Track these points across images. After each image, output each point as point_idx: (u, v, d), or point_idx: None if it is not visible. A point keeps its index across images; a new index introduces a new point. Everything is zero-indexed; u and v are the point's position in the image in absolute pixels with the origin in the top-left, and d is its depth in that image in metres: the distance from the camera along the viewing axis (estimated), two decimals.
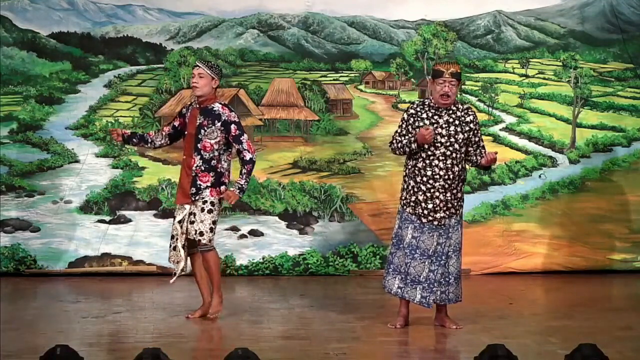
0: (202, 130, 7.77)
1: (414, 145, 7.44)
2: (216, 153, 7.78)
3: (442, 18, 11.15)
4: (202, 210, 7.78)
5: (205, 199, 7.78)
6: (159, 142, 8.10)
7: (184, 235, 7.82)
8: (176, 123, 8.01)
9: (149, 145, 8.14)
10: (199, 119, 7.81)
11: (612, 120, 11.21)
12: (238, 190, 7.80)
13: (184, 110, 8.00)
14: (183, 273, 7.95)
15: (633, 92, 11.28)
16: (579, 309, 8.68)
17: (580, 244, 10.94)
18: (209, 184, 7.77)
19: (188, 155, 7.84)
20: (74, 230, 10.59)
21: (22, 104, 10.74)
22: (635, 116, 11.24)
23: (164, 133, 8.07)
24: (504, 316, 8.24)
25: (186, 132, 7.89)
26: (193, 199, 7.78)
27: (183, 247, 7.84)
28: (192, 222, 7.77)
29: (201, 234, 7.76)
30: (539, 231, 10.97)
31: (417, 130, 7.46)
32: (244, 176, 7.80)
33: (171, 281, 7.96)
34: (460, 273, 7.66)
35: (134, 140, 8.12)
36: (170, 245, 7.93)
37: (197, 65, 7.87)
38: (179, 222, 7.82)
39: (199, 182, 7.77)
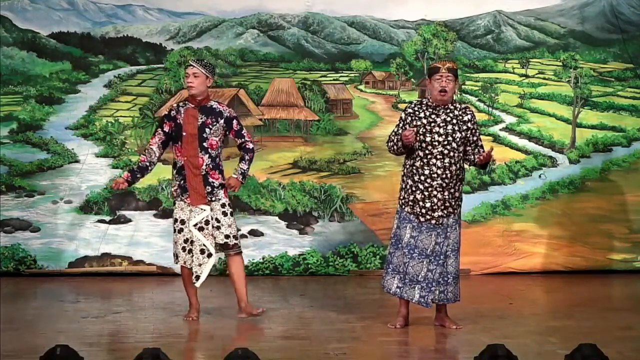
0: (207, 129, 7.80)
1: (399, 144, 7.47)
2: (219, 150, 7.88)
3: (442, 18, 11.15)
4: (225, 214, 7.86)
5: (223, 202, 7.86)
6: (157, 158, 7.93)
7: (209, 240, 7.80)
8: (166, 128, 7.85)
9: (150, 168, 7.94)
10: (201, 118, 7.81)
11: (612, 120, 11.21)
12: (241, 176, 7.90)
13: (173, 112, 7.87)
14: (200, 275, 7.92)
15: (633, 92, 11.28)
16: (579, 309, 8.68)
17: (580, 244, 10.94)
18: (220, 181, 7.84)
19: (192, 155, 7.79)
20: (74, 230, 10.60)
21: (22, 104, 10.74)
22: (635, 116, 11.24)
23: (154, 147, 7.87)
24: (504, 316, 8.24)
25: (184, 133, 7.81)
26: (210, 198, 7.80)
27: (202, 252, 7.80)
28: (217, 228, 7.83)
29: (235, 237, 7.91)
30: (539, 231, 10.97)
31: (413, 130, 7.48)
32: (247, 162, 7.94)
33: (197, 285, 7.85)
34: (458, 273, 7.66)
35: (137, 176, 7.94)
36: (185, 249, 7.82)
37: (191, 65, 7.86)
38: (195, 225, 7.79)
39: (211, 179, 7.80)
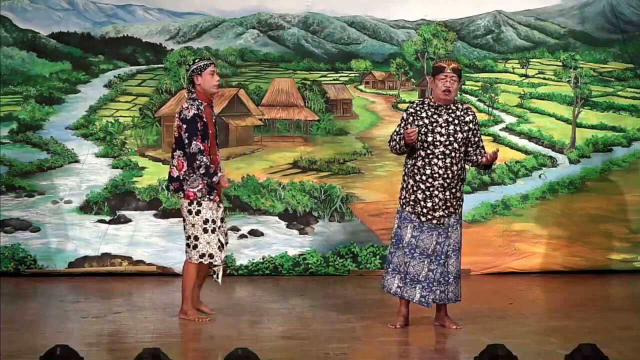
0: (217, 127, 8.00)
1: (402, 142, 7.48)
2: None
3: (442, 18, 11.15)
4: (224, 211, 8.11)
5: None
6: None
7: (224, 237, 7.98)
8: (201, 127, 7.76)
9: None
10: (213, 117, 7.98)
11: (612, 120, 11.21)
12: None
13: (200, 112, 7.80)
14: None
15: (633, 92, 11.28)
16: (579, 309, 8.68)
17: (579, 244, 10.94)
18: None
19: (214, 153, 7.87)
20: (74, 230, 10.60)
21: (22, 104, 10.74)
22: (635, 116, 11.25)
23: (207, 147, 7.79)
24: (504, 316, 8.24)
25: (210, 132, 7.84)
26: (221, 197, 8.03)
27: (220, 249, 7.92)
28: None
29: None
30: (538, 231, 10.97)
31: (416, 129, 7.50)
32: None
33: (220, 280, 7.96)
34: (459, 273, 7.66)
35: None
36: (220, 249, 7.85)
37: (214, 64, 7.95)
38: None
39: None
